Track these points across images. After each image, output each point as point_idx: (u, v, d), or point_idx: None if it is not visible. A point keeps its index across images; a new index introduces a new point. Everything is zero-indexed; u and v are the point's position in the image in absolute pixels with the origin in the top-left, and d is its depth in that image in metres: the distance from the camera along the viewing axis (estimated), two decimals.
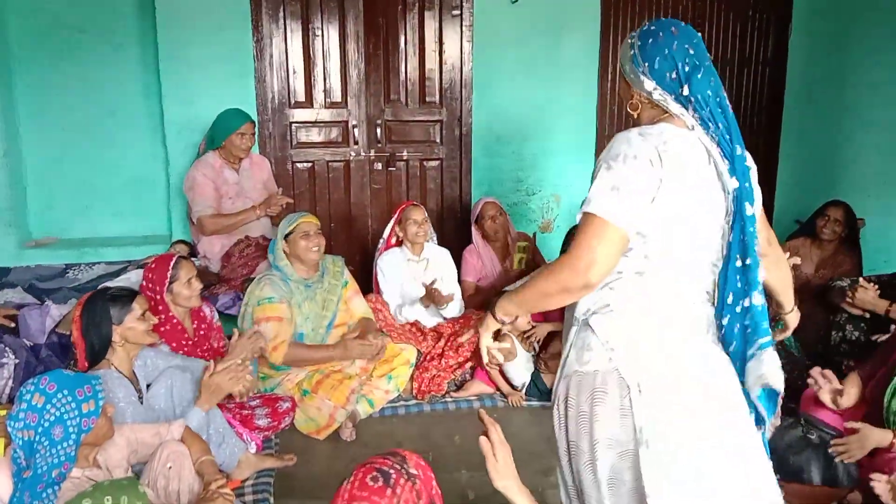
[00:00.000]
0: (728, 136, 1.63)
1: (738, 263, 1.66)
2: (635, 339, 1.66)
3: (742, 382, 1.71)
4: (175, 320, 3.00)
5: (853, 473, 2.53)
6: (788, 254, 3.51)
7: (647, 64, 1.66)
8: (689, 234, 1.66)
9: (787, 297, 2.02)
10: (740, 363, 1.70)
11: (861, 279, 3.46)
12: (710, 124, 1.63)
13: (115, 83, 4.62)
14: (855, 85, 5.06)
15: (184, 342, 3.01)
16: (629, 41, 1.72)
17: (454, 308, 3.93)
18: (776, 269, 1.96)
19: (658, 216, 1.61)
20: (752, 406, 1.73)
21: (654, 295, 1.68)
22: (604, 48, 5.00)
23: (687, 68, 1.63)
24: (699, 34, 1.70)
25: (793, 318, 2.06)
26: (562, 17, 4.85)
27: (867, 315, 3.42)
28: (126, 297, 2.64)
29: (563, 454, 1.78)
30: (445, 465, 3.01)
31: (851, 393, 2.71)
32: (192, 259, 4.01)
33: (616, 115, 5.17)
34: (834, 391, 2.64)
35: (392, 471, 1.44)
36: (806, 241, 4.13)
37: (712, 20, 5.08)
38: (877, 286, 3.40)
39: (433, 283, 3.76)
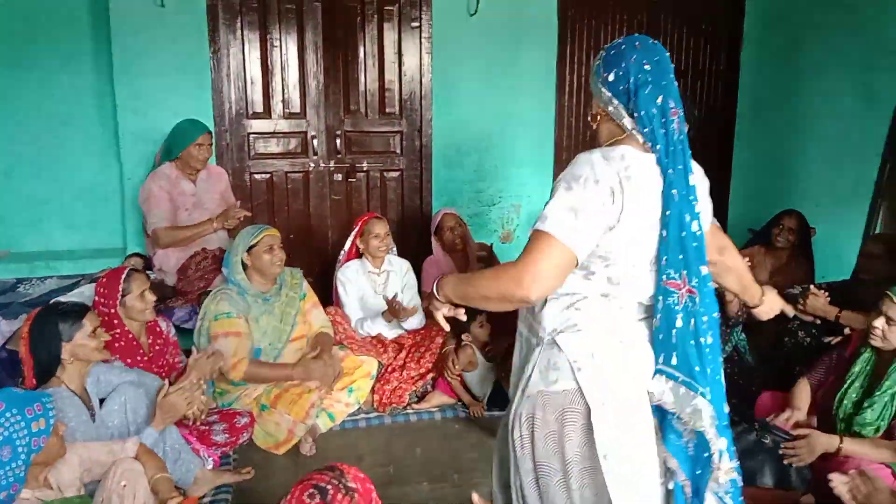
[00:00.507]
0: (666, 158, 1.62)
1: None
2: (601, 359, 1.66)
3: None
4: (129, 335, 2.94)
5: (806, 476, 2.58)
6: (747, 259, 3.59)
7: (605, 75, 1.67)
8: (646, 256, 1.68)
9: (749, 295, 2.09)
10: None
11: (812, 286, 3.55)
12: (653, 143, 1.63)
13: (69, 93, 4.54)
14: (804, 97, 5.21)
15: (138, 357, 2.95)
16: (600, 52, 1.73)
17: (415, 320, 3.93)
18: (727, 274, 2.03)
19: (619, 241, 1.62)
20: None
21: (619, 316, 1.70)
22: (561, 62, 5.06)
23: (636, 83, 1.63)
24: (666, 53, 1.69)
25: (762, 310, 2.13)
26: (520, 30, 4.91)
27: (818, 321, 3.50)
28: (76, 312, 2.57)
29: (527, 474, 1.74)
30: (407, 477, 3.01)
31: (802, 407, 2.80)
32: (148, 272, 3.95)
33: (574, 127, 5.24)
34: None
35: (329, 486, 1.44)
36: (760, 249, 4.23)
37: (667, 34, 5.19)
38: (827, 293, 3.48)
39: (395, 296, 3.76)
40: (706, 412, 1.61)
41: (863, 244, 3.92)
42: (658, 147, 1.62)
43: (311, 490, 1.42)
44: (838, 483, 2.21)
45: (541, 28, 4.97)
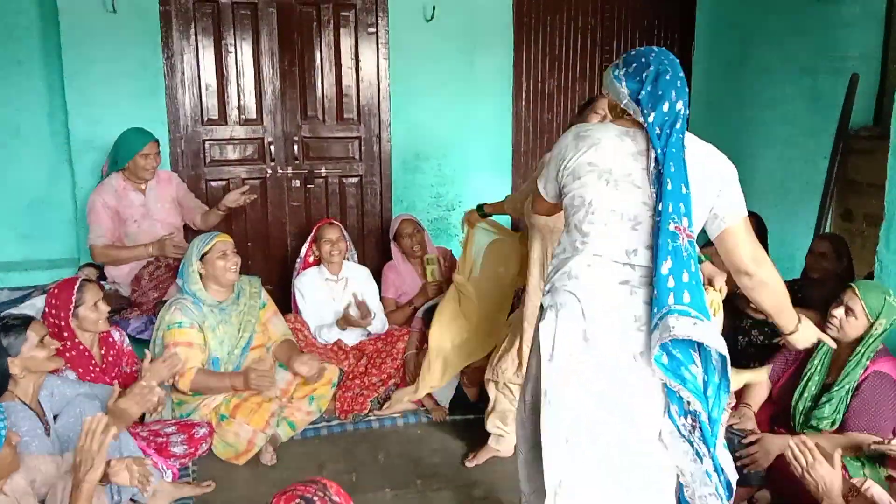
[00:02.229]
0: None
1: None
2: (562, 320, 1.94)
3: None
4: (81, 346, 2.88)
5: (761, 472, 2.64)
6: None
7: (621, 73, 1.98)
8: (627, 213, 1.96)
9: (784, 319, 2.13)
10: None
11: None
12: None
13: (18, 101, 4.41)
14: (754, 101, 5.34)
15: (91, 368, 2.90)
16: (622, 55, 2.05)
17: (377, 324, 3.93)
18: (762, 290, 2.05)
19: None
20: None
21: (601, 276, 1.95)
22: (517, 67, 5.10)
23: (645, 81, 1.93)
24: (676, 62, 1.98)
25: (797, 338, 2.14)
26: (476, 35, 4.93)
27: (770, 320, 3.58)
28: (19, 325, 2.48)
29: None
30: (370, 484, 3.00)
31: (753, 403, 2.87)
32: (102, 283, 3.89)
33: (531, 131, 5.29)
34: None
35: (316, 498, 1.43)
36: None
37: (619, 41, 5.27)
38: None
39: (348, 306, 3.75)
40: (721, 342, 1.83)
41: (811, 243, 4.02)
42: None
43: (298, 500, 1.41)
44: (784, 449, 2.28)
45: (497, 34, 5.00)
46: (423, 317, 3.80)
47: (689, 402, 1.87)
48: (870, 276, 3.26)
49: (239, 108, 4.62)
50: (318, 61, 4.71)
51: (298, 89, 4.71)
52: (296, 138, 4.75)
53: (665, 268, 1.81)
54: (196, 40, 4.45)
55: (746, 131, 5.41)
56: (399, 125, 4.88)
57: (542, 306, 2.08)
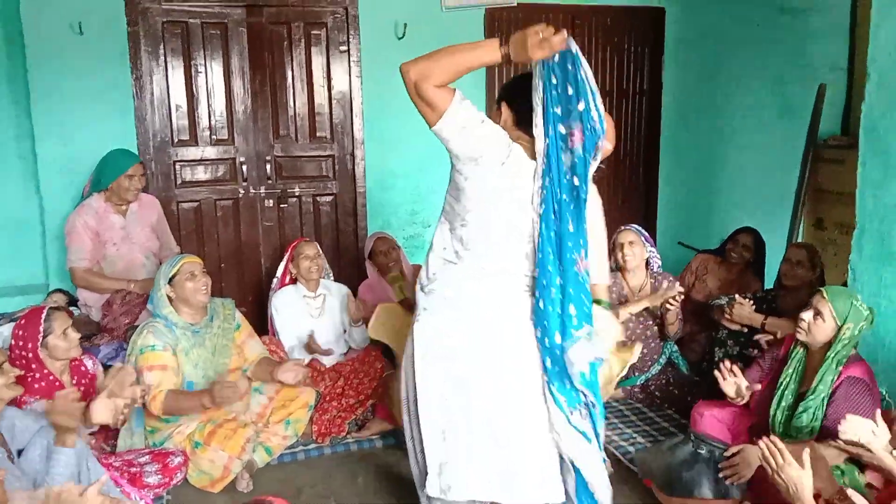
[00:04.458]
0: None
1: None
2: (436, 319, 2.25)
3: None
4: (51, 377, 2.81)
5: (742, 485, 2.64)
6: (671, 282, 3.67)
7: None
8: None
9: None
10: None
11: (737, 296, 3.65)
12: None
13: None
14: (726, 112, 5.40)
15: None
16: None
17: (358, 337, 3.90)
18: None
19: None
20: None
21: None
22: (489, 83, 5.11)
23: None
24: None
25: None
26: None
27: (745, 330, 3.60)
28: None
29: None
30: None
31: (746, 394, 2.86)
32: (73, 309, 3.81)
33: None
34: (737, 385, 2.83)
35: None
36: (716, 259, 4.32)
37: (591, 55, 5.29)
38: (752, 301, 3.59)
39: (311, 335, 3.71)
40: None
41: (786, 252, 4.06)
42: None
43: None
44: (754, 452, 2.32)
45: None
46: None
47: (584, 394, 2.17)
48: (843, 285, 3.29)
49: (210, 128, 4.58)
50: (289, 80, 4.68)
51: (270, 108, 4.67)
52: (268, 158, 4.71)
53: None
54: (165, 60, 4.41)
55: (719, 141, 5.46)
56: (372, 143, 4.86)
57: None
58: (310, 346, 3.75)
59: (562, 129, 2.05)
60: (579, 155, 2.06)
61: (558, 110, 2.05)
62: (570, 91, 2.03)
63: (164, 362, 3.05)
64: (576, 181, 2.09)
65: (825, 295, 2.67)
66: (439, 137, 2.14)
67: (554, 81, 2.04)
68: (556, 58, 2.02)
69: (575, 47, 2.04)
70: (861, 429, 2.22)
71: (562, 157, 2.07)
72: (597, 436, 2.23)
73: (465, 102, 2.08)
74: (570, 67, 2.03)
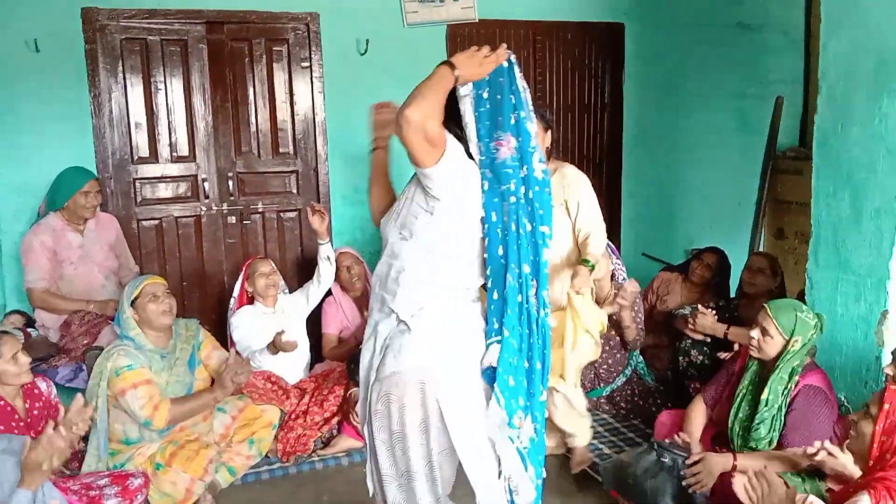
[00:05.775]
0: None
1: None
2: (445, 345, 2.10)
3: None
4: (2, 402, 2.73)
5: (705, 493, 2.65)
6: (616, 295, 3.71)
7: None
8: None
9: None
10: None
11: (699, 306, 3.69)
12: None
13: None
14: (686, 126, 5.49)
15: (13, 423, 2.74)
16: None
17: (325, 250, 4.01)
18: None
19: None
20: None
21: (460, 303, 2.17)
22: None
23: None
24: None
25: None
26: (411, 68, 4.83)
27: (709, 339, 3.64)
28: None
29: (383, 444, 2.09)
30: None
31: (694, 431, 2.90)
32: (30, 330, 3.73)
33: None
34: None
35: None
36: (678, 276, 4.31)
37: (552, 71, 5.34)
38: (714, 311, 3.63)
39: (280, 333, 3.66)
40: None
41: (748, 259, 4.12)
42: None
43: None
44: (737, 483, 2.27)
45: (431, 67, 5.00)
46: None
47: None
48: (802, 292, 3.35)
49: (170, 145, 4.53)
50: (251, 96, 4.66)
51: (232, 125, 4.64)
52: (230, 174, 4.67)
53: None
54: (124, 77, 4.36)
55: (679, 156, 5.55)
56: (336, 158, 4.84)
57: None
58: (275, 344, 3.67)
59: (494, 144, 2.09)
60: (513, 157, 2.09)
61: (489, 124, 2.09)
62: (510, 100, 2.09)
63: (147, 377, 3.00)
64: (517, 188, 2.10)
65: (769, 311, 2.70)
66: (431, 178, 2.06)
67: (485, 96, 2.09)
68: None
69: (513, 56, 2.13)
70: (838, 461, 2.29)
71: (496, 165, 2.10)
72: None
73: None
74: (501, 80, 2.10)
